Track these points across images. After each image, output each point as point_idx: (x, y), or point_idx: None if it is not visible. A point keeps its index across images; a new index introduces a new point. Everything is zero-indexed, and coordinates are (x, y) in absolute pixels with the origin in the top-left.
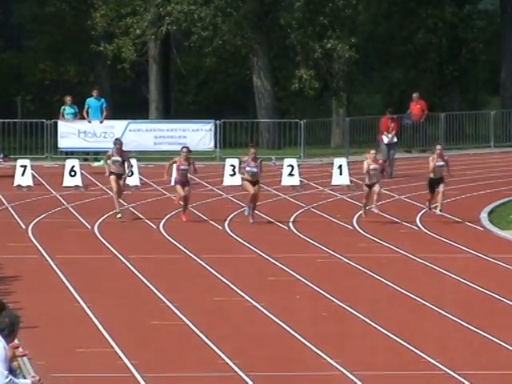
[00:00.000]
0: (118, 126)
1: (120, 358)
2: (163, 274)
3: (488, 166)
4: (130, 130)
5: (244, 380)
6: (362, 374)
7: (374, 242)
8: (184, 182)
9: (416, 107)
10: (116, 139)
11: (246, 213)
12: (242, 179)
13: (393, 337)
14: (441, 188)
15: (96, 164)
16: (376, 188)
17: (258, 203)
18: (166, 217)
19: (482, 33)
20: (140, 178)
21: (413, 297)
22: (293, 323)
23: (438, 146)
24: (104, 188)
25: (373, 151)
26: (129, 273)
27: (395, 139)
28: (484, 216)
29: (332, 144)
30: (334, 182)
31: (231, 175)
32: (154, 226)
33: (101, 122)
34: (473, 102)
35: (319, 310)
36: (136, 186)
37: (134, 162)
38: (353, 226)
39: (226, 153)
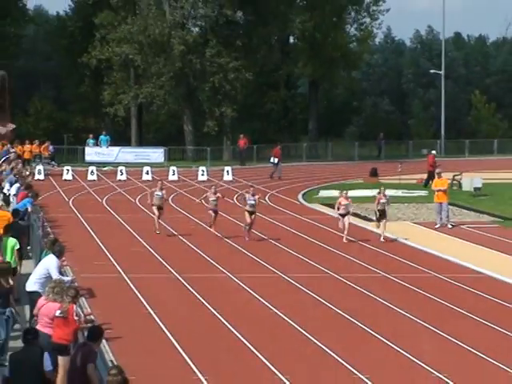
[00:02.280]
0: (115, 150)
1: None
2: None
3: (301, 172)
4: (122, 152)
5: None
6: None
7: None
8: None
9: (241, 141)
10: (159, 181)
11: (247, 238)
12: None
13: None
14: (383, 221)
15: (104, 169)
16: (347, 218)
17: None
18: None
19: (300, 103)
20: (127, 177)
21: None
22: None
23: (382, 188)
24: (109, 182)
25: (345, 191)
26: None
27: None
28: (300, 196)
29: (224, 159)
30: (225, 178)
31: (172, 174)
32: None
33: (107, 148)
34: (295, 139)
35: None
36: (124, 180)
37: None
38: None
39: (170, 164)
